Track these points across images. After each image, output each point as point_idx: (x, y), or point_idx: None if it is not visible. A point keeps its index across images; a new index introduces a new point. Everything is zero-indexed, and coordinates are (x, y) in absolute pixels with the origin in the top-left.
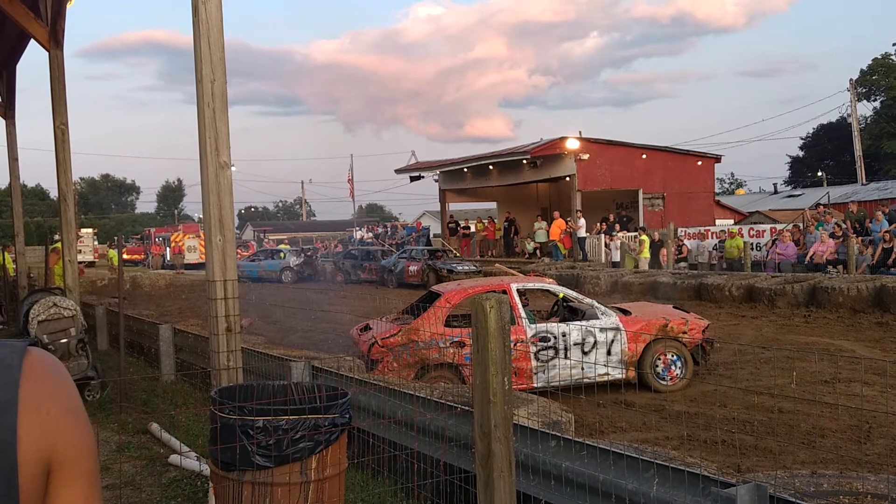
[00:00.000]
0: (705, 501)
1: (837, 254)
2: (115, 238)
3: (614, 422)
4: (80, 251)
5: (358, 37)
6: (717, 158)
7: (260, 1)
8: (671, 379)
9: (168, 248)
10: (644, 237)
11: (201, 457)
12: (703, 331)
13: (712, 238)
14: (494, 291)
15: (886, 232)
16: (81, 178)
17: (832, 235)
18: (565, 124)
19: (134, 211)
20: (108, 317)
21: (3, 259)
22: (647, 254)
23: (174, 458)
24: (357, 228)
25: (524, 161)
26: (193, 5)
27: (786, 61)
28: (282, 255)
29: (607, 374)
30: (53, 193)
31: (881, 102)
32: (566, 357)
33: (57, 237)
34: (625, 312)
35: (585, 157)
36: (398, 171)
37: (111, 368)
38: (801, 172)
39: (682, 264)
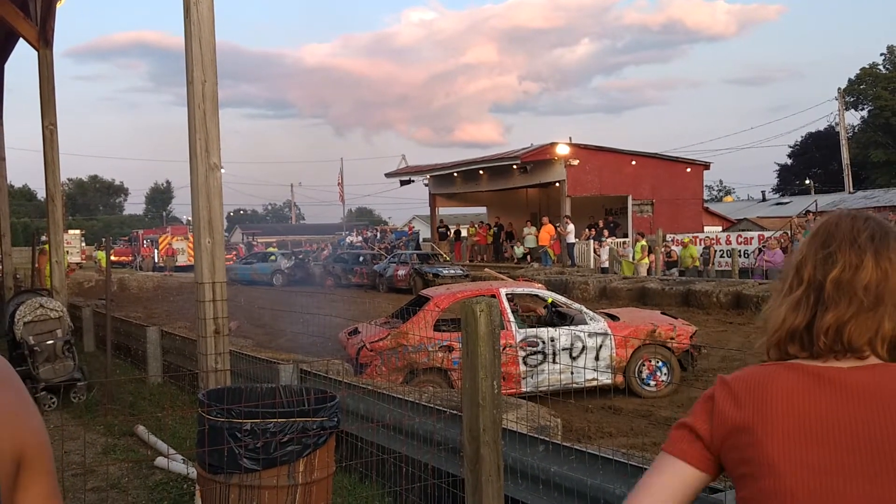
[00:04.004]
0: None
1: None
2: (103, 239)
3: (602, 427)
4: (67, 252)
5: (349, 40)
6: (706, 165)
7: (251, 3)
8: (656, 385)
9: (156, 251)
10: (643, 242)
11: (188, 460)
12: (691, 337)
13: (700, 245)
14: (483, 296)
15: None
16: (69, 179)
17: None
18: (555, 130)
19: (122, 212)
20: (94, 318)
21: None
22: (647, 261)
23: (160, 461)
24: (347, 232)
25: (514, 166)
26: (185, 6)
27: (775, 70)
28: (273, 258)
29: (595, 379)
30: (41, 194)
31: (868, 112)
32: (554, 362)
33: (44, 238)
34: (613, 318)
35: (575, 162)
36: (388, 176)
37: (98, 370)
38: (789, 180)
39: (674, 270)
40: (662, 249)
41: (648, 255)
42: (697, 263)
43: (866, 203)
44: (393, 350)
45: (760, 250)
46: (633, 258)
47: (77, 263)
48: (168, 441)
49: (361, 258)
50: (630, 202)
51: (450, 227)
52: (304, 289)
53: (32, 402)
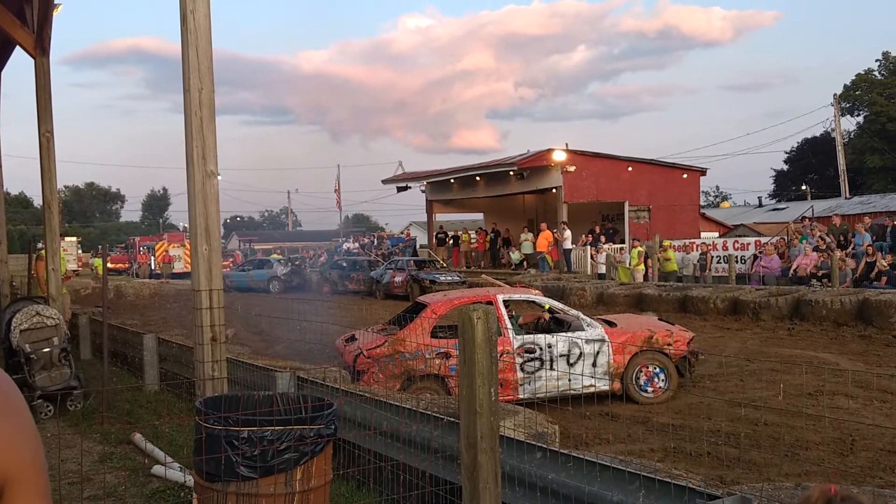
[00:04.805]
0: None
1: (820, 267)
2: (100, 247)
3: (599, 434)
4: (65, 259)
5: (346, 47)
6: (703, 171)
7: (248, 11)
8: (654, 391)
9: (153, 258)
10: (639, 248)
11: (185, 468)
12: (688, 343)
13: (697, 251)
14: (480, 302)
15: (869, 246)
16: (66, 187)
17: (816, 249)
18: (552, 136)
19: (118, 219)
20: (91, 326)
21: None
22: (642, 266)
23: (158, 469)
24: (344, 239)
25: (511, 172)
26: (182, 14)
27: (771, 76)
28: (269, 264)
29: (593, 385)
30: (37, 201)
31: (864, 117)
32: (552, 368)
33: (41, 245)
34: (610, 324)
35: (572, 169)
36: (385, 182)
37: (94, 378)
38: (786, 186)
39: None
40: (659, 256)
41: (645, 262)
42: (675, 268)
43: (862, 208)
44: (390, 357)
45: (756, 257)
46: (630, 264)
47: (74, 271)
48: (165, 449)
49: (358, 265)
50: (627, 208)
51: (448, 233)
52: (302, 295)
53: (25, 417)
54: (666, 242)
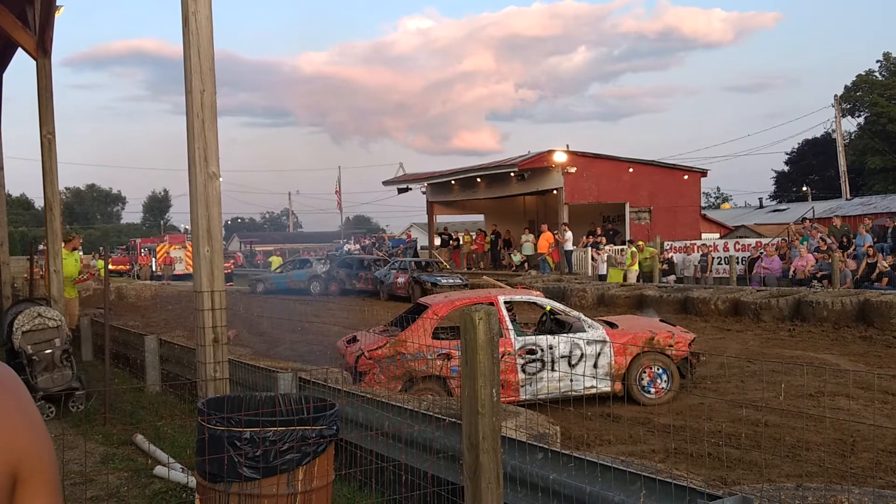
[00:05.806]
0: None
1: (820, 268)
2: (101, 248)
3: (601, 434)
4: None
5: (347, 49)
6: (704, 173)
7: (249, 12)
8: (656, 392)
9: (154, 259)
10: (633, 248)
11: (187, 468)
12: (690, 344)
13: (698, 252)
14: (482, 304)
15: (870, 247)
16: (67, 188)
17: (817, 250)
18: (553, 138)
19: (120, 221)
20: (93, 327)
21: None
22: (637, 266)
23: (160, 470)
24: (345, 240)
25: (511, 174)
26: (184, 16)
27: (772, 77)
28: (309, 264)
29: (594, 386)
30: (38, 203)
31: (865, 118)
32: (553, 370)
33: (42, 247)
34: (612, 325)
35: (573, 170)
36: (386, 183)
37: (96, 379)
38: (787, 187)
39: (671, 277)
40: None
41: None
42: (660, 265)
43: (863, 210)
44: (391, 358)
45: (753, 261)
46: (626, 265)
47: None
48: (167, 450)
49: (365, 264)
50: (627, 209)
51: (451, 234)
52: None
53: (35, 413)
54: (640, 242)
